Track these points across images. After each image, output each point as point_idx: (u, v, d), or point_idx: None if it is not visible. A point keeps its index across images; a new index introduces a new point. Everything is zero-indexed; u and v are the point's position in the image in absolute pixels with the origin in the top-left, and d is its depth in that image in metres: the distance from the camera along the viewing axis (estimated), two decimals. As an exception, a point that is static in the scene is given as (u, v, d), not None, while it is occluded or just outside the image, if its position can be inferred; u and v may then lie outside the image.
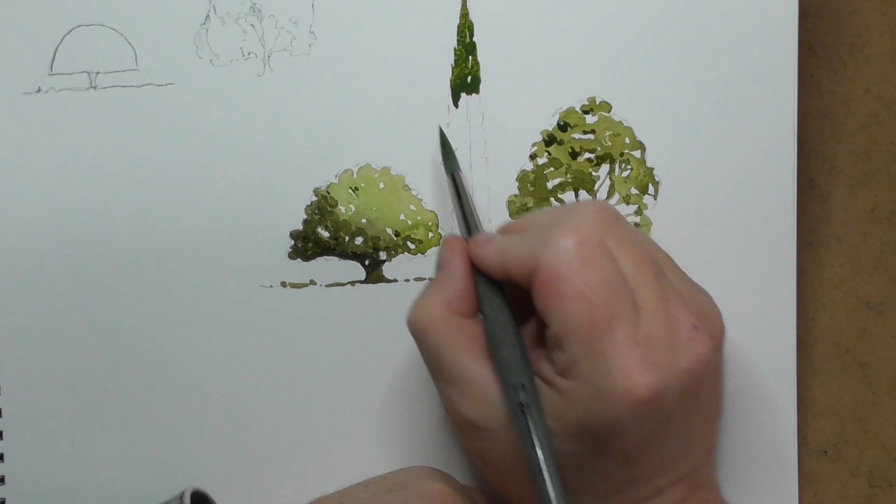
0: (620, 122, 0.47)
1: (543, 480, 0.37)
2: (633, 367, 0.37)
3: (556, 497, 0.37)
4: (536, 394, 0.39)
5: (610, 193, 0.48)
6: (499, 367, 0.40)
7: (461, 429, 0.41)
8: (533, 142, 0.47)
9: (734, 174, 0.47)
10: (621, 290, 0.38)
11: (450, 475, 0.43)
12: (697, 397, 0.40)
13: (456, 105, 0.47)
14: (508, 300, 0.41)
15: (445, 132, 0.47)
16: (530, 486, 0.38)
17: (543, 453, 0.38)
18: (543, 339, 0.40)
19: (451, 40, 0.47)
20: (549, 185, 0.48)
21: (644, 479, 0.40)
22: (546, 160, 0.47)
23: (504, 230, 0.42)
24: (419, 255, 0.48)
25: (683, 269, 0.42)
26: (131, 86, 0.48)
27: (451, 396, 0.41)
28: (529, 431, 0.38)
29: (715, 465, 0.44)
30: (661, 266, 0.41)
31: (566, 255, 0.38)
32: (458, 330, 0.41)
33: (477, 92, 0.47)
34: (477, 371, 0.40)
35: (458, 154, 0.47)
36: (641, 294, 0.39)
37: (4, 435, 0.48)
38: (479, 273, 0.42)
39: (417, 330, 0.42)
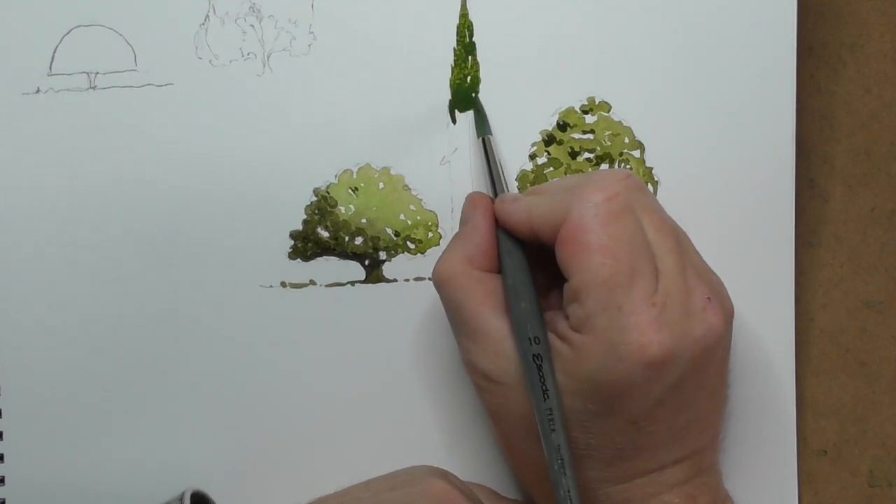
0: (620, 121, 0.47)
1: (550, 431, 0.38)
2: (648, 326, 0.38)
3: (563, 447, 0.38)
4: (549, 349, 0.40)
5: (609, 193, 0.47)
6: (514, 320, 0.40)
7: (477, 381, 0.42)
8: (532, 141, 0.47)
9: (734, 174, 0.47)
10: (643, 250, 0.39)
11: (451, 473, 0.43)
12: (707, 370, 0.41)
13: (454, 120, 0.47)
14: (528, 259, 0.42)
15: (480, 102, 0.47)
16: (536, 444, 0.39)
17: (552, 406, 0.38)
18: (559, 300, 0.41)
19: (451, 40, 0.47)
20: (549, 185, 0.47)
21: (648, 449, 0.40)
22: (546, 160, 0.47)
23: (529, 192, 0.43)
24: (419, 254, 0.48)
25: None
26: (131, 86, 0.48)
27: (469, 349, 0.42)
28: (540, 383, 0.39)
29: (719, 453, 0.44)
30: (679, 238, 0.41)
31: (594, 210, 0.39)
32: (479, 284, 0.42)
33: (476, 91, 0.47)
34: (495, 324, 0.41)
35: (457, 153, 0.47)
36: (661, 259, 0.40)
37: (4, 435, 0.48)
38: (501, 230, 0.43)
39: (440, 282, 0.43)
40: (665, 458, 0.41)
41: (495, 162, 0.45)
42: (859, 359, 0.49)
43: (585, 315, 0.39)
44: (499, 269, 0.43)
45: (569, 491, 0.38)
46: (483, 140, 0.46)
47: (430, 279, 0.47)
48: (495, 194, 0.44)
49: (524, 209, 0.42)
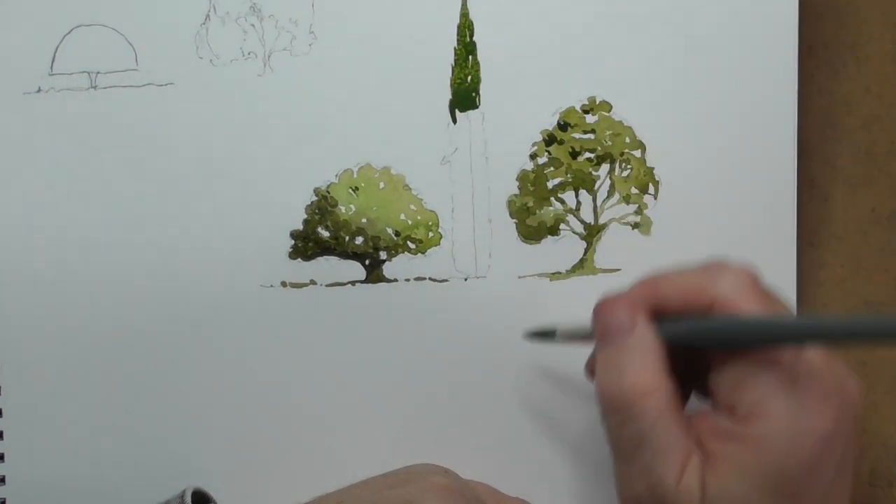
0: (620, 121, 0.47)
1: None
2: (819, 398, 0.36)
3: None
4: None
5: (610, 193, 0.48)
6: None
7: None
8: (533, 141, 0.47)
9: (734, 174, 0.47)
10: None
11: (451, 470, 0.43)
12: (854, 437, 0.39)
13: (454, 120, 0.47)
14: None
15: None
16: None
17: None
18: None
19: (451, 40, 0.47)
20: (550, 184, 0.48)
21: None
22: (546, 160, 0.47)
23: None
24: (419, 254, 0.48)
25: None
26: (131, 86, 0.48)
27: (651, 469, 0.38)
28: None
29: None
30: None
31: (744, 289, 0.38)
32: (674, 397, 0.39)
33: (475, 107, 0.47)
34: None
35: (457, 154, 0.47)
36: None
37: (4, 435, 0.48)
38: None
39: (629, 400, 0.39)
40: None
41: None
42: (859, 359, 0.49)
43: (758, 399, 0.37)
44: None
45: None
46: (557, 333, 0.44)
47: (430, 279, 0.47)
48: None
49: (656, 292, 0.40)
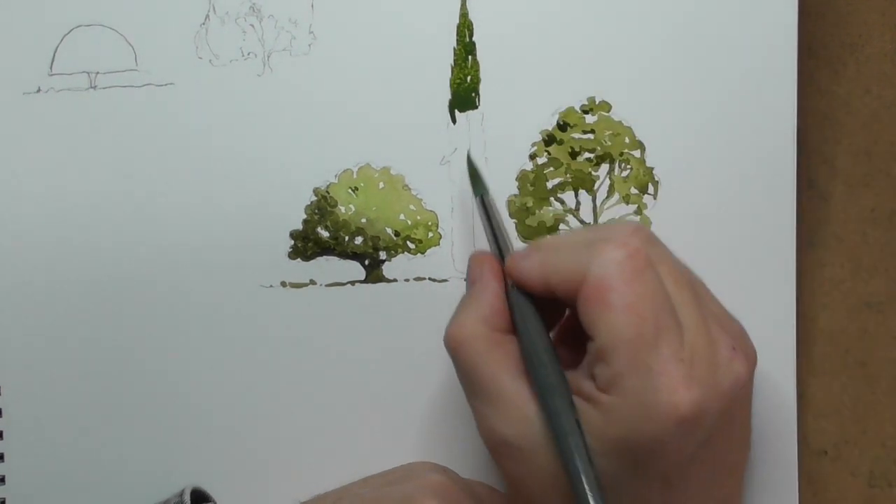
0: (620, 121, 0.47)
1: (586, 495, 0.37)
2: (678, 383, 0.37)
3: None
4: (576, 411, 0.39)
5: (610, 193, 0.48)
6: (538, 384, 0.39)
7: (495, 448, 0.41)
8: (532, 141, 0.47)
9: (734, 174, 0.47)
10: (667, 306, 0.38)
11: (450, 469, 0.43)
12: (734, 421, 0.40)
13: (454, 120, 0.47)
14: (542, 317, 0.41)
15: (472, 157, 0.46)
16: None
17: (586, 470, 0.37)
18: (576, 359, 0.40)
19: (451, 40, 0.47)
20: (549, 184, 0.48)
21: None
22: (546, 160, 0.47)
23: (536, 247, 0.42)
24: (419, 254, 0.48)
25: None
26: (131, 86, 0.48)
27: (486, 414, 0.41)
28: (580, 446, 0.38)
29: (743, 500, 0.44)
30: (696, 288, 0.41)
31: (616, 267, 0.38)
32: (496, 346, 0.41)
33: (475, 107, 0.47)
34: (515, 388, 0.40)
35: (457, 154, 0.47)
36: (682, 312, 0.39)
37: (4, 435, 0.48)
38: (513, 289, 0.41)
39: (455, 346, 0.41)
40: None
41: (497, 220, 0.44)
42: (859, 359, 0.49)
43: (613, 375, 0.38)
44: (513, 330, 0.41)
45: None
46: (482, 199, 0.45)
47: (430, 279, 0.47)
48: (499, 252, 0.43)
49: (537, 266, 0.40)
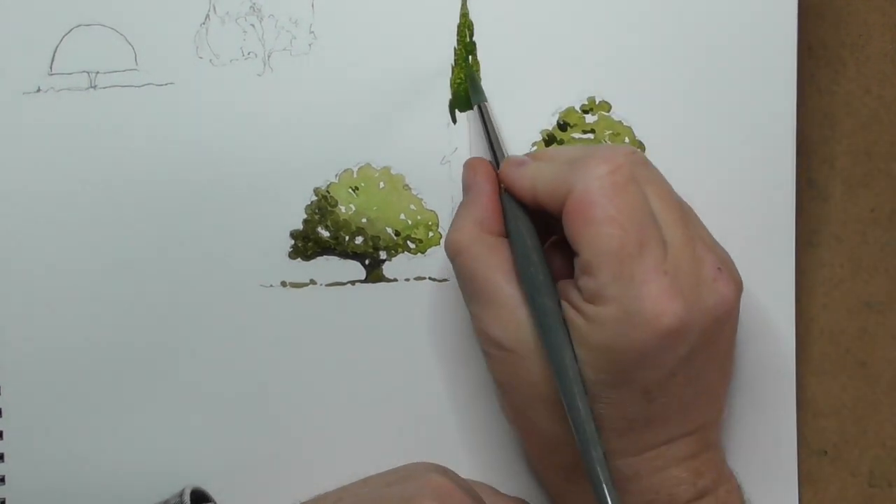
0: (620, 121, 0.47)
1: (575, 396, 0.38)
2: (661, 294, 0.38)
3: (584, 413, 0.38)
4: (563, 317, 0.40)
5: (610, 193, 0.47)
6: (527, 288, 0.41)
7: (489, 350, 0.42)
8: (533, 141, 0.47)
9: (734, 174, 0.47)
10: (650, 221, 0.40)
11: (450, 469, 0.43)
12: (717, 342, 0.41)
13: (454, 120, 0.47)
14: (534, 223, 0.42)
15: (472, 72, 0.47)
16: (545, 413, 0.40)
17: (573, 372, 0.39)
18: (568, 267, 0.41)
19: (451, 40, 0.47)
20: (549, 184, 0.47)
21: (659, 421, 0.40)
22: (546, 160, 0.47)
23: (534, 156, 0.43)
24: (419, 254, 0.48)
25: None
26: (131, 86, 0.48)
27: (481, 317, 0.42)
28: (567, 349, 0.39)
29: (722, 431, 0.45)
30: (685, 210, 0.42)
31: (599, 182, 0.39)
32: (491, 250, 0.42)
33: (471, 108, 0.47)
34: (508, 291, 0.41)
35: (457, 154, 0.47)
36: (668, 230, 0.40)
37: (4, 435, 0.48)
38: (506, 194, 0.43)
39: (453, 251, 0.43)
40: (674, 432, 0.41)
41: (493, 129, 0.45)
42: (859, 359, 0.49)
43: (597, 286, 0.39)
44: (506, 233, 0.43)
45: (599, 457, 0.38)
46: (479, 107, 0.46)
47: (430, 279, 0.47)
48: (495, 160, 0.44)
49: (528, 176, 0.42)
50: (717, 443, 0.43)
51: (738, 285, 0.41)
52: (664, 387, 0.40)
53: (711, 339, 0.40)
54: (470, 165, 0.44)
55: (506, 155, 0.44)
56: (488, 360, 0.43)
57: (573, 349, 0.39)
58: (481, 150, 0.47)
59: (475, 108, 0.46)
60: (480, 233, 0.42)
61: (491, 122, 0.45)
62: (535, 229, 0.42)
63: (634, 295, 0.38)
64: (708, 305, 0.40)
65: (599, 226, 0.39)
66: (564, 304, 0.40)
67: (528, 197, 0.42)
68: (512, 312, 0.41)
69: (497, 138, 0.45)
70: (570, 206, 0.40)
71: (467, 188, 0.44)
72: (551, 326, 0.40)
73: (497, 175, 0.44)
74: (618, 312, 0.39)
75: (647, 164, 0.41)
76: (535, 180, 0.41)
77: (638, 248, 0.39)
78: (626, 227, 0.39)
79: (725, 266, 0.41)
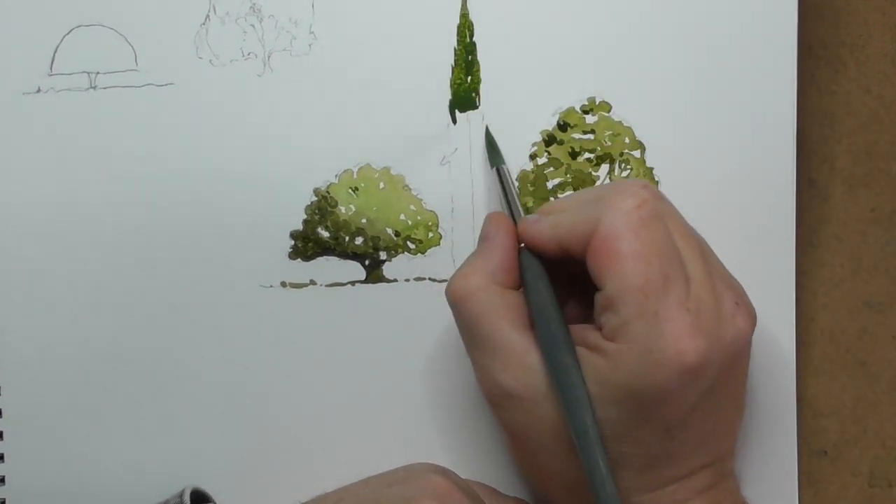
0: (620, 121, 0.47)
1: (590, 445, 0.38)
2: (684, 332, 0.38)
3: (602, 462, 0.38)
4: (579, 363, 0.40)
5: (610, 193, 0.48)
6: (545, 337, 0.40)
7: (496, 399, 0.42)
8: (533, 141, 0.47)
9: (734, 174, 0.47)
10: (674, 256, 0.39)
11: (450, 470, 0.43)
12: (734, 376, 0.41)
13: (454, 120, 0.47)
14: (550, 278, 0.42)
15: (491, 131, 0.47)
16: (560, 459, 0.40)
17: (588, 419, 0.38)
18: (576, 314, 0.42)
19: (451, 40, 0.47)
20: (549, 184, 0.48)
21: (679, 457, 0.40)
22: (546, 160, 0.47)
23: (544, 212, 0.43)
24: (419, 254, 0.48)
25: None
26: (131, 86, 0.48)
27: (487, 366, 0.41)
28: (583, 396, 0.39)
29: (735, 460, 0.45)
30: (702, 245, 0.42)
31: (626, 217, 0.39)
32: (500, 299, 0.42)
33: (475, 107, 0.47)
34: (517, 339, 0.41)
35: (457, 154, 0.47)
36: (690, 265, 0.40)
37: (4, 435, 0.48)
38: (524, 250, 0.43)
39: (458, 298, 0.42)
40: (694, 464, 0.41)
41: (511, 189, 0.45)
42: (859, 359, 0.49)
43: (621, 322, 0.39)
44: (518, 287, 0.42)
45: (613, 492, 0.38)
46: (498, 170, 0.46)
47: (430, 279, 0.47)
48: (513, 219, 0.44)
49: (548, 227, 0.41)
50: (731, 472, 0.43)
51: (753, 319, 0.41)
52: (685, 422, 0.39)
53: (730, 373, 0.40)
54: (492, 219, 0.44)
55: (523, 215, 0.44)
56: (496, 410, 0.42)
57: (591, 403, 0.39)
58: (481, 152, 0.47)
59: (494, 170, 0.46)
60: (488, 282, 0.42)
61: (509, 183, 0.45)
62: (552, 282, 0.42)
63: (658, 332, 0.38)
64: (727, 341, 0.39)
65: (625, 260, 0.39)
66: (580, 348, 0.40)
67: (550, 246, 0.41)
68: (521, 359, 0.41)
69: (515, 199, 0.45)
70: (595, 241, 0.39)
71: (485, 239, 0.44)
72: (573, 385, 0.39)
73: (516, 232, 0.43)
74: (640, 349, 0.38)
75: (663, 197, 0.41)
76: (556, 227, 0.41)
77: (662, 284, 0.38)
78: (651, 262, 0.39)
79: (741, 300, 0.41)
